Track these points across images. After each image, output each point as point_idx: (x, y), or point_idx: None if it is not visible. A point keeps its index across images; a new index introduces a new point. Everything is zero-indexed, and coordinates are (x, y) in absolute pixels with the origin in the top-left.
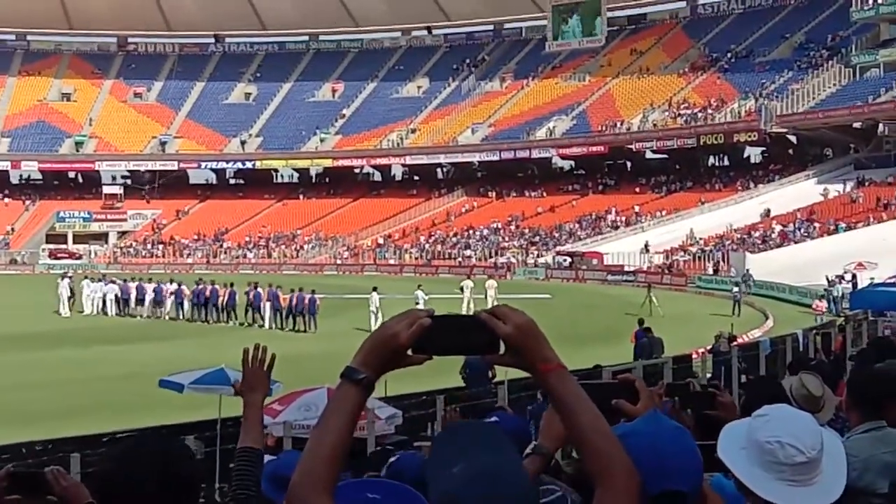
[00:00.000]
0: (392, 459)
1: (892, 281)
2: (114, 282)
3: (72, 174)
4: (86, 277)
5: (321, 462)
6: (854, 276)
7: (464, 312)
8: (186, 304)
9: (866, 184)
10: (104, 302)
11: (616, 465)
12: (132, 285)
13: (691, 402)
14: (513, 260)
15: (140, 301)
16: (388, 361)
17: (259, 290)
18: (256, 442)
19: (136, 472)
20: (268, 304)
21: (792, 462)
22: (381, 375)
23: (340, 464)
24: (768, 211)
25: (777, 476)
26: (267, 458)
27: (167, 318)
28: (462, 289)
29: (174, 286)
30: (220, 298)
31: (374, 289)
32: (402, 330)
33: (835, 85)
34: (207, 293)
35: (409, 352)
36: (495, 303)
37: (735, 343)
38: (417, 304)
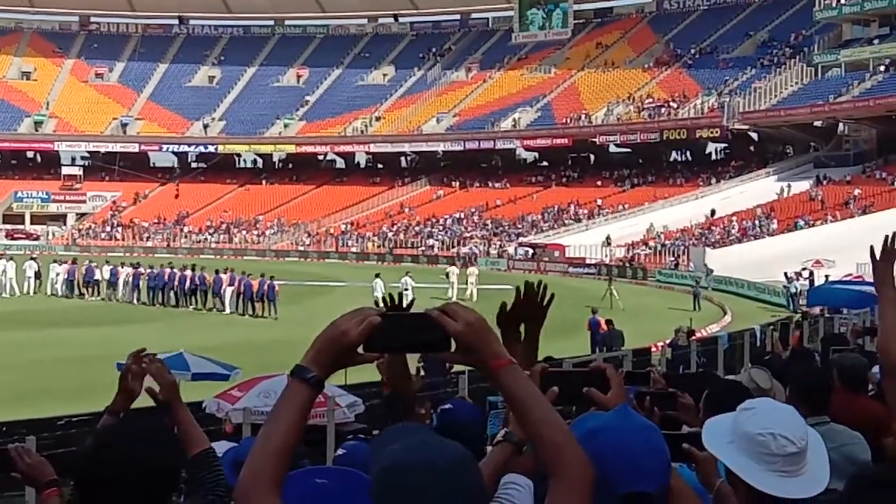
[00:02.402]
0: (339, 452)
1: (848, 279)
2: (74, 262)
3: (30, 154)
4: (31, 258)
5: (268, 459)
6: (811, 273)
7: (452, 299)
8: (142, 287)
9: (825, 182)
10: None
11: (569, 456)
12: (88, 266)
13: (654, 403)
14: (475, 250)
15: (88, 283)
16: (339, 360)
17: (234, 274)
18: (206, 441)
19: (115, 458)
20: (228, 290)
21: (784, 453)
22: (332, 374)
23: (288, 461)
24: (713, 211)
25: (769, 467)
26: (227, 444)
27: (124, 300)
28: (447, 275)
29: (129, 269)
30: (187, 283)
31: (377, 275)
32: (351, 328)
33: (796, 83)
34: (166, 277)
35: (360, 350)
36: (476, 289)
37: (694, 337)
38: (406, 290)
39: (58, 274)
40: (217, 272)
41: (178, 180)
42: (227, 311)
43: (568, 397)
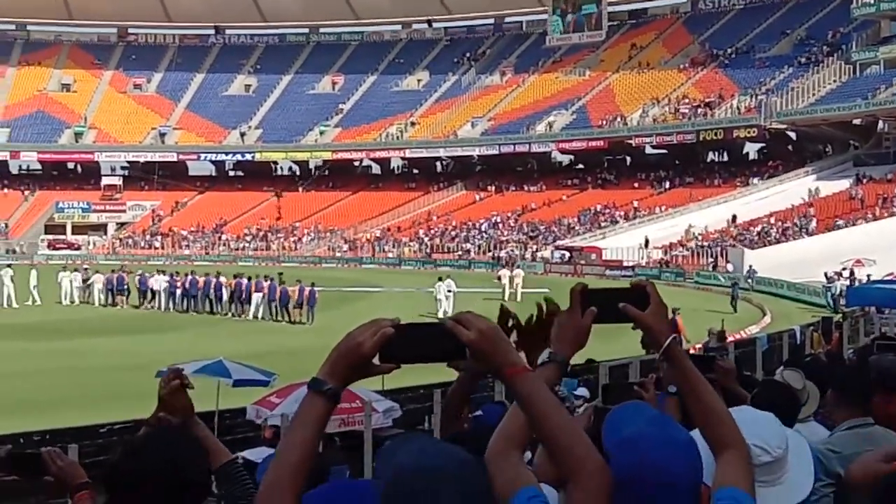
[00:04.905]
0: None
1: (889, 278)
2: (113, 271)
3: (71, 165)
4: (64, 269)
5: (287, 473)
6: (852, 273)
7: (506, 300)
8: (178, 295)
9: (865, 180)
10: (90, 292)
11: (588, 463)
12: (114, 276)
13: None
14: (514, 253)
15: (120, 291)
16: (354, 371)
17: (261, 281)
18: (228, 453)
19: (142, 466)
20: (256, 296)
21: (759, 462)
22: (348, 385)
23: (305, 473)
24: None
25: None
26: (266, 450)
27: (158, 308)
28: (500, 278)
29: (167, 277)
30: (223, 291)
31: (440, 278)
32: (366, 339)
33: (835, 81)
34: (200, 284)
35: (376, 360)
36: (521, 290)
37: (725, 339)
38: (450, 291)
39: (71, 282)
40: (237, 278)
41: (280, 192)
42: (251, 317)
43: (607, 315)
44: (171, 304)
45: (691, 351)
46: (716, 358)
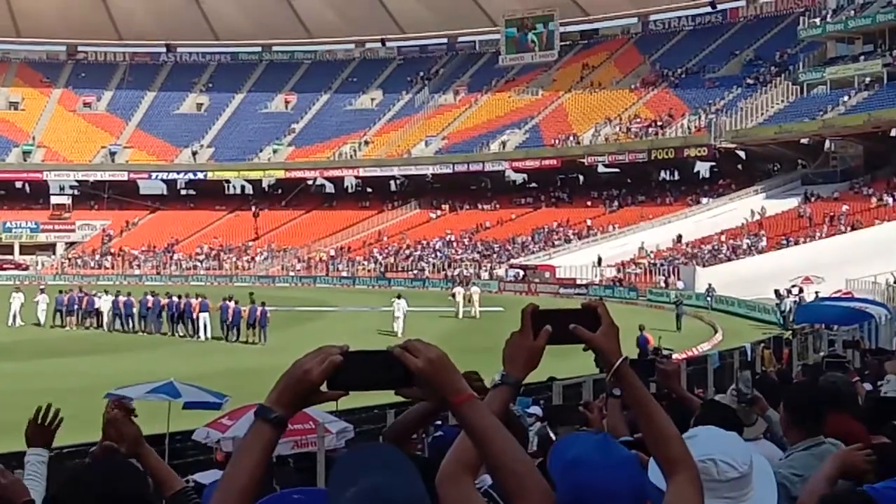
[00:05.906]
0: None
1: (837, 295)
2: (61, 292)
3: (19, 184)
4: (17, 290)
5: (233, 499)
6: (800, 290)
7: (460, 317)
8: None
9: (813, 199)
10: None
11: (531, 486)
12: (65, 296)
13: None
14: (466, 273)
15: (70, 312)
16: (302, 399)
17: (206, 300)
18: (180, 481)
19: (79, 499)
20: (203, 316)
21: (726, 478)
22: (296, 413)
23: (252, 500)
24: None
25: (713, 494)
26: (218, 472)
27: (106, 329)
28: (454, 296)
29: (111, 297)
30: (174, 310)
31: (398, 296)
32: (313, 367)
33: (783, 101)
34: (149, 304)
35: (324, 388)
36: (479, 308)
37: (666, 357)
38: (406, 311)
39: (22, 304)
40: (185, 298)
41: (256, 206)
42: (202, 337)
43: (558, 337)
44: (118, 325)
45: None
46: (655, 361)
